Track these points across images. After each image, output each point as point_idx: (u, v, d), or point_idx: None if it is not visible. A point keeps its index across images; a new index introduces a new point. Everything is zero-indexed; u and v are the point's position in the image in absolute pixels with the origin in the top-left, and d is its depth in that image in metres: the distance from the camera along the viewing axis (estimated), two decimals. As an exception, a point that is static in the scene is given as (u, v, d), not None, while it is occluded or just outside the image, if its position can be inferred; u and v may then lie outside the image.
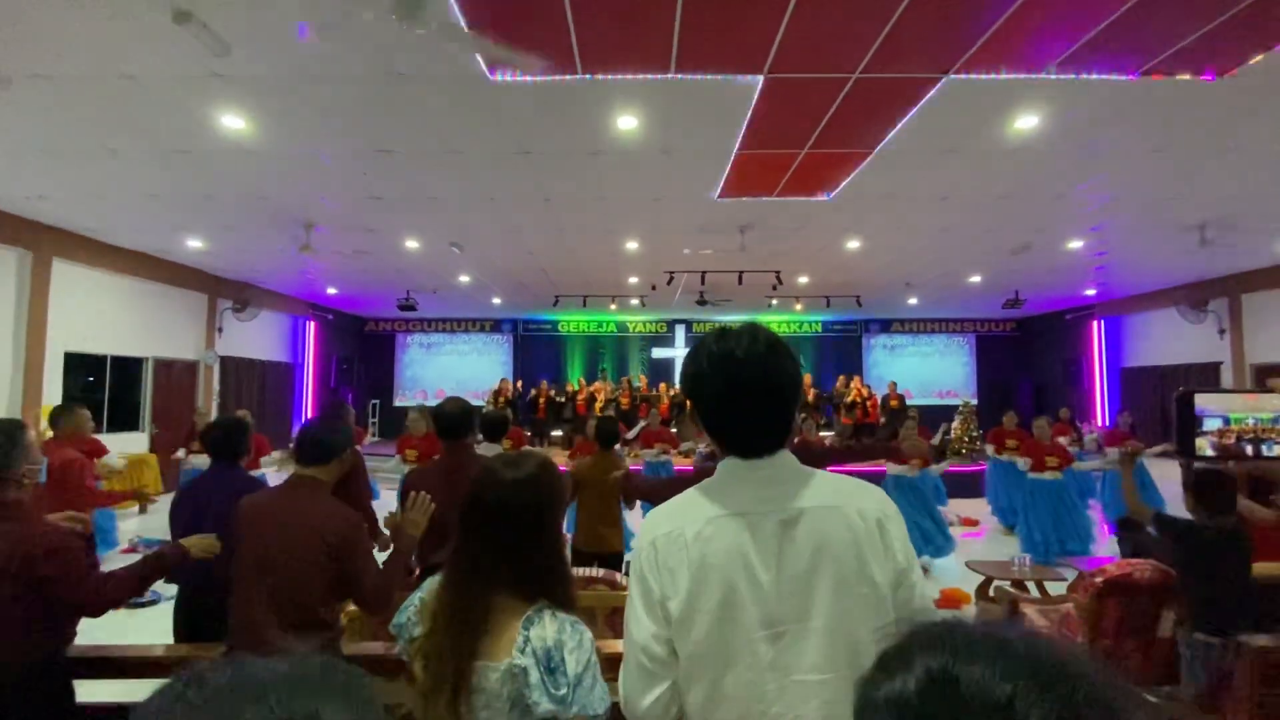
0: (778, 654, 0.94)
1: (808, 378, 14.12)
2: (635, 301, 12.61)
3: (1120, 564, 3.15)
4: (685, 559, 0.97)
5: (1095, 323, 13.09)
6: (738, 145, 5.02)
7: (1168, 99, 4.23)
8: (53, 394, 7.58)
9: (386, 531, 2.15)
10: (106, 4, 3.24)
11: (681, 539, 0.99)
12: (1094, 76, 3.91)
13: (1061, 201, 6.46)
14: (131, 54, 3.74)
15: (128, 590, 1.97)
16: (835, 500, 1.00)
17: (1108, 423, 12.32)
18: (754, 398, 1.02)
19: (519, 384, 14.19)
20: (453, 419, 2.75)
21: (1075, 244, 8.16)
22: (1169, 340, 11.37)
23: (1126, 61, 3.79)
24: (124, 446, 8.62)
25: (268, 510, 1.97)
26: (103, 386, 8.80)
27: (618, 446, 9.17)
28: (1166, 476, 7.49)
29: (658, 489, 4.09)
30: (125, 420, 9.17)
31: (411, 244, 8.27)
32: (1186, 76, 3.93)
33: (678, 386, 13.61)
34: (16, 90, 4.13)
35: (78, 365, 8.29)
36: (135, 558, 2.09)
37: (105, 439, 8.22)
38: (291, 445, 2.12)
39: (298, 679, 0.42)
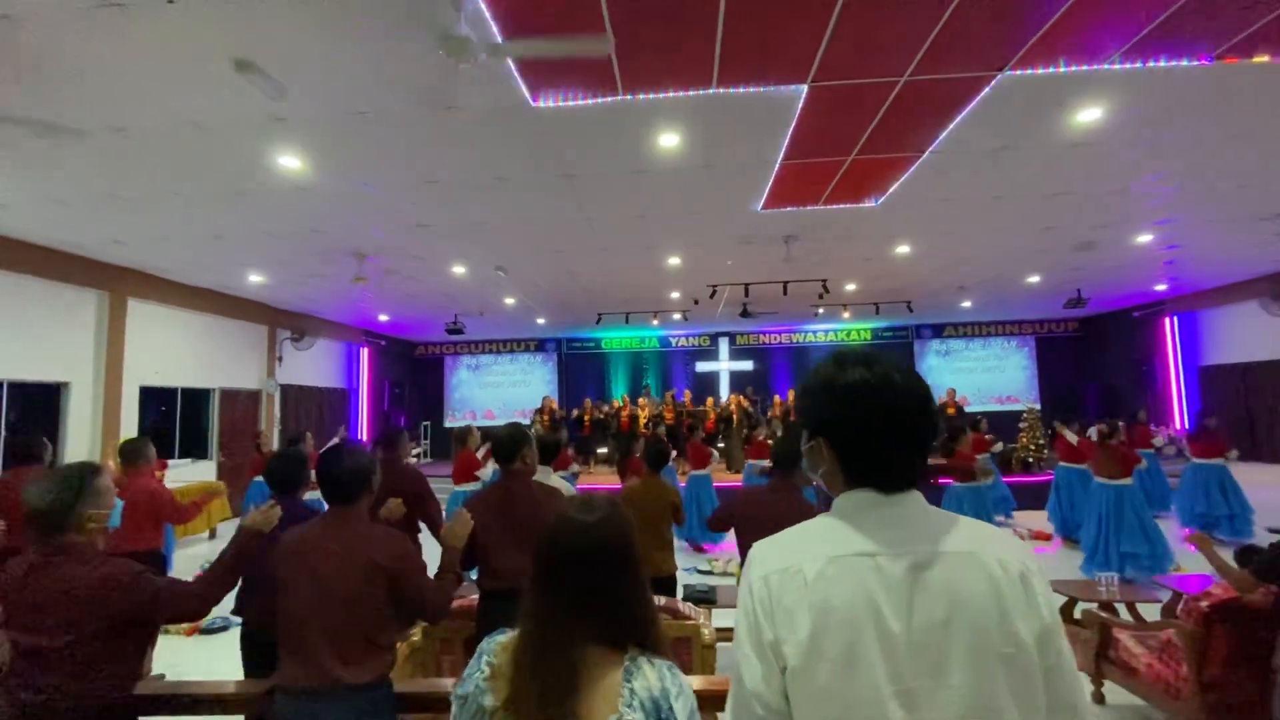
0: (908, 713, 0.85)
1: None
2: (677, 316, 12.55)
3: (1224, 585, 2.89)
4: (805, 600, 0.89)
5: (1168, 320, 12.35)
6: (781, 156, 4.94)
7: (1244, 82, 3.96)
8: (129, 427, 8.00)
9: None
10: (175, 58, 3.42)
11: (800, 577, 0.91)
12: (1163, 64, 3.69)
13: (1127, 195, 6.12)
14: (197, 103, 3.93)
15: (221, 584, 2.07)
16: (972, 546, 0.92)
17: (1187, 425, 11.57)
18: (910, 426, 0.96)
19: (562, 408, 14.24)
20: (503, 442, 2.75)
21: (1143, 238, 7.72)
22: (1251, 335, 10.63)
23: (1198, 46, 3.56)
24: (194, 474, 9.02)
25: (309, 543, 1.97)
26: (174, 417, 9.25)
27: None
28: (1259, 482, 6.95)
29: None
30: (194, 449, 9.60)
31: (458, 269, 8.44)
32: (1265, 59, 3.67)
33: (725, 403, 13.44)
34: (95, 142, 4.40)
35: (151, 398, 8.74)
36: None
37: (176, 468, 8.65)
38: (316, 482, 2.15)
39: None
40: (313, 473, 3.10)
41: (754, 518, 2.90)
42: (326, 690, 1.83)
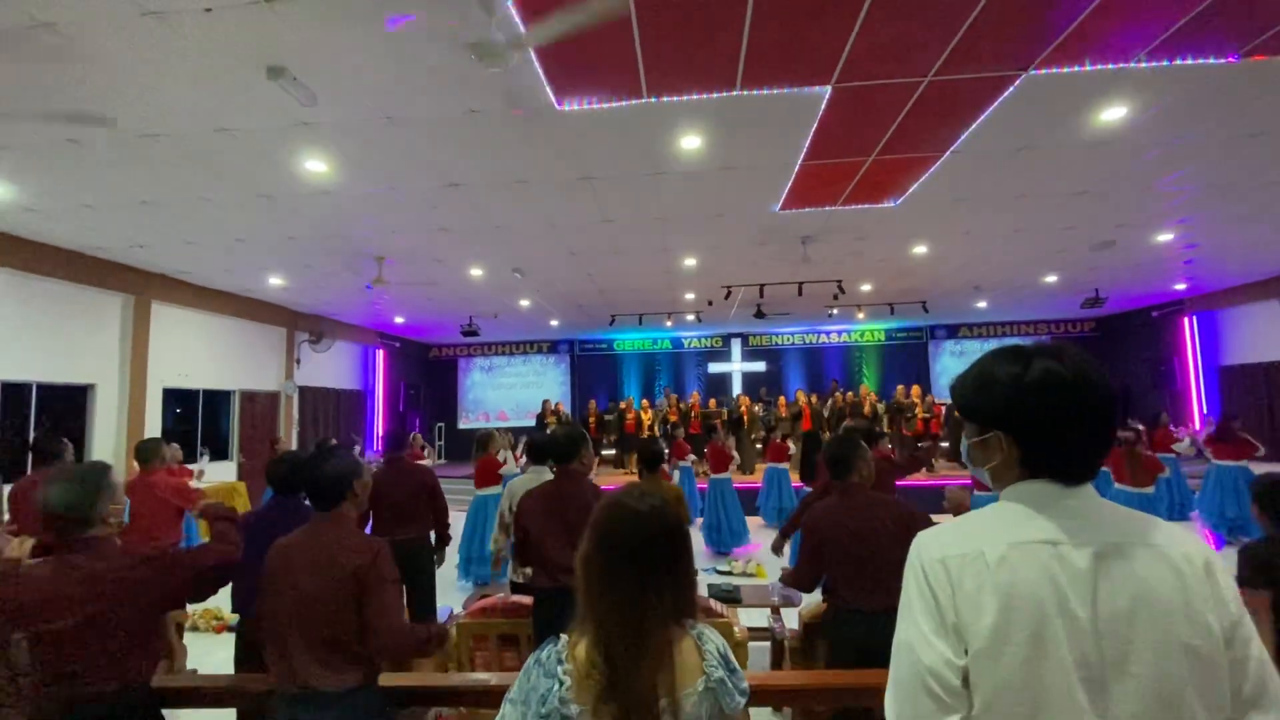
0: (1095, 698, 0.86)
1: (865, 388, 13.70)
2: (691, 317, 12.57)
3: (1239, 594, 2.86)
4: (990, 583, 0.91)
5: (1187, 319, 12.22)
6: (802, 157, 4.95)
7: (1265, 80, 3.93)
8: (153, 428, 8.11)
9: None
10: (210, 66, 3.49)
11: (981, 561, 0.92)
12: (1190, 62, 3.67)
13: (1148, 194, 6.08)
14: (228, 109, 4.00)
15: (229, 549, 2.11)
16: (1156, 539, 0.93)
17: (1206, 425, 11.43)
18: (1101, 422, 0.97)
19: (565, 406, 14.28)
20: (560, 444, 2.80)
21: (1163, 237, 7.66)
22: (1272, 335, 10.51)
23: (1226, 43, 3.54)
24: (215, 474, 9.14)
25: (295, 550, 1.98)
26: (195, 419, 9.38)
27: (680, 465, 9.10)
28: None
29: None
30: (215, 450, 9.72)
31: (476, 272, 8.51)
32: (1294, 54, 3.64)
33: (734, 405, 13.43)
34: (127, 148, 4.48)
35: (173, 399, 8.87)
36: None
37: (199, 468, 8.75)
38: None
39: None
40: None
41: (843, 534, 2.57)
42: (307, 697, 1.85)
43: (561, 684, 1.15)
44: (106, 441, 7.61)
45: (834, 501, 2.70)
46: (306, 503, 3.06)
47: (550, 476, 3.10)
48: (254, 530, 2.81)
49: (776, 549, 3.78)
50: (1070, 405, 0.96)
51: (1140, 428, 6.02)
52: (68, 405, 7.46)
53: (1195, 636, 0.87)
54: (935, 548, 0.97)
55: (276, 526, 2.51)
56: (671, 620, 1.20)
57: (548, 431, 3.00)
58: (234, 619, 5.08)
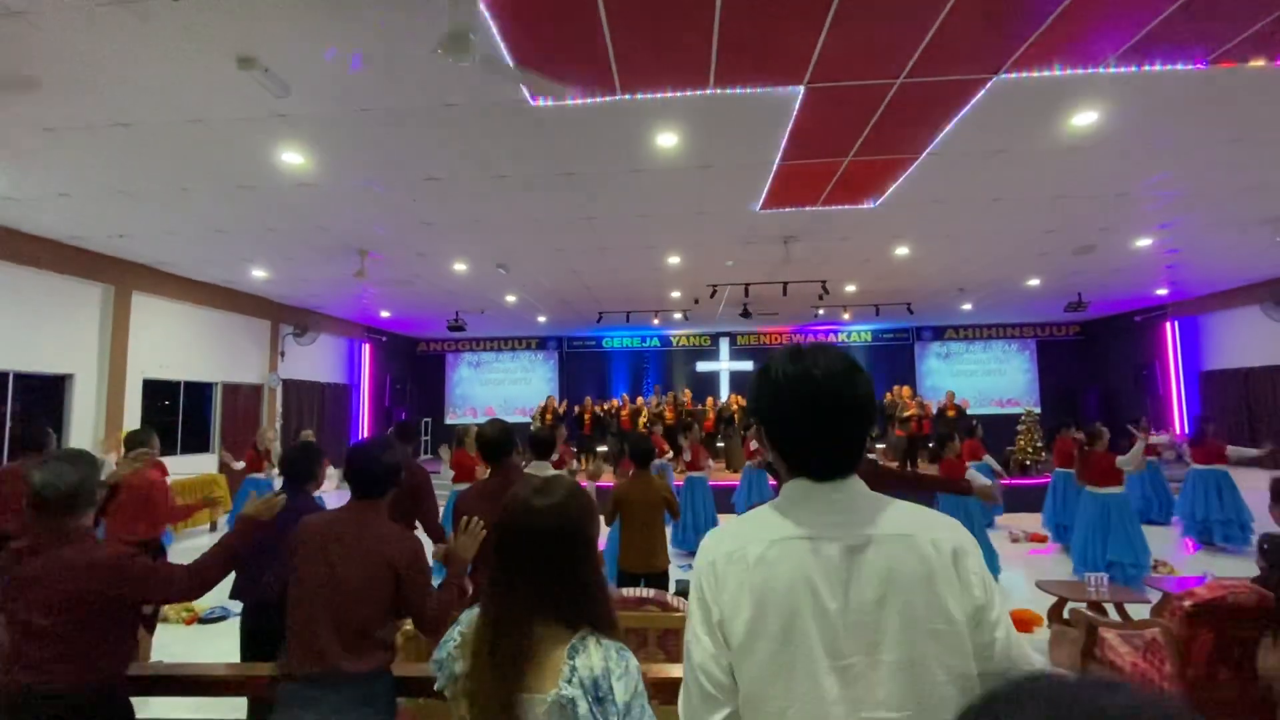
0: (845, 687, 0.90)
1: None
2: (678, 316, 12.59)
3: (1212, 585, 2.91)
4: (747, 581, 0.94)
5: (1169, 324, 12.34)
6: (779, 157, 4.98)
7: (1242, 86, 3.98)
8: (132, 419, 8.07)
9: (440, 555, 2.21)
10: (179, 54, 3.47)
11: (743, 560, 0.96)
12: (1158, 68, 3.71)
13: (1126, 199, 6.14)
14: (200, 99, 3.98)
15: (216, 568, 2.09)
16: (907, 529, 0.96)
17: (1186, 430, 11.56)
18: (831, 418, 0.99)
19: (563, 402, 14.29)
20: (494, 441, 2.80)
21: (1143, 242, 7.73)
22: (1252, 340, 10.62)
23: (1193, 50, 3.59)
24: (195, 468, 9.09)
25: (330, 532, 2.01)
26: (176, 410, 9.32)
27: (655, 463, 9.12)
28: (1259, 487, 6.95)
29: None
30: (196, 443, 9.67)
31: (460, 267, 8.49)
32: (1260, 63, 3.69)
33: (725, 403, 13.48)
34: (100, 137, 4.46)
35: (154, 391, 8.81)
36: None
37: (178, 461, 8.71)
38: (343, 473, 2.17)
39: None
40: (327, 468, 3.15)
41: None
42: (328, 677, 1.86)
43: (455, 641, 1.24)
44: (84, 432, 7.55)
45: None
46: (314, 497, 3.05)
47: (550, 471, 3.13)
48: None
49: None
50: (794, 402, 1.00)
51: (1101, 431, 6.02)
52: (45, 395, 7.41)
53: (939, 621, 0.90)
54: (709, 550, 1.01)
55: (285, 514, 2.48)
56: (549, 623, 1.17)
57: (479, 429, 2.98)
58: (205, 610, 5.09)
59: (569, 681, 1.10)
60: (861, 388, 1.01)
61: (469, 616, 1.27)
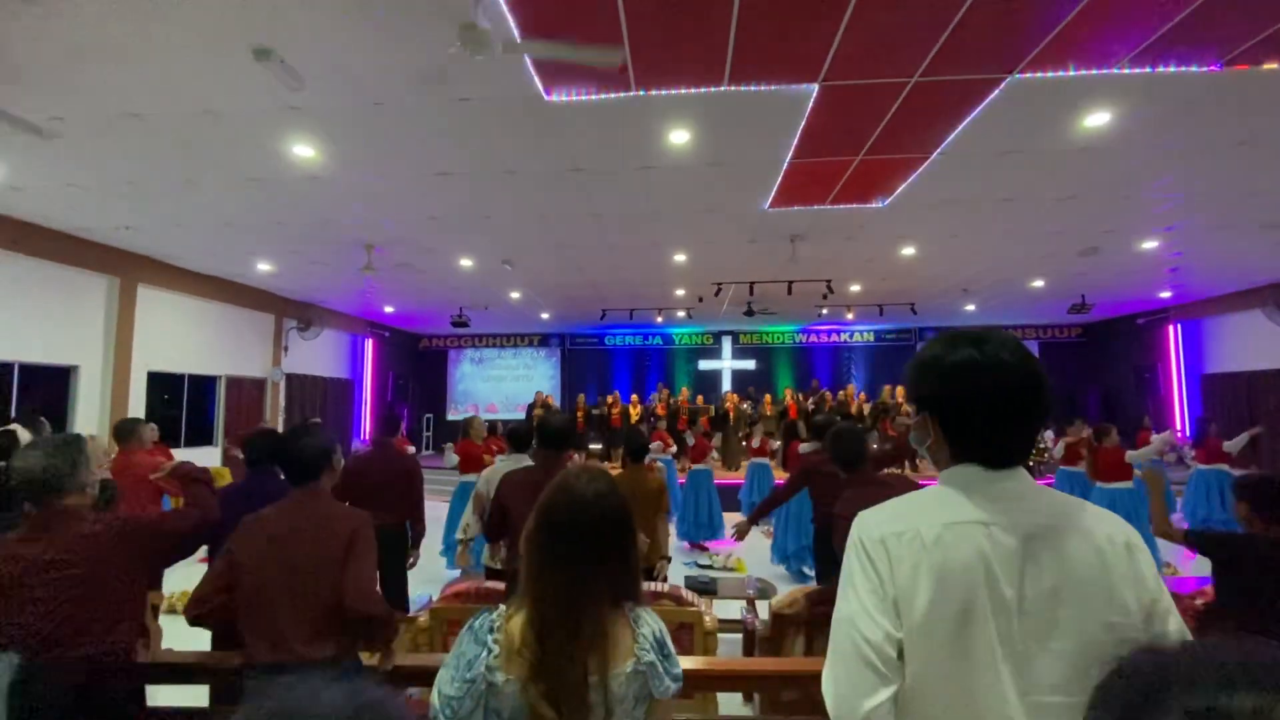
0: (1018, 671, 0.90)
1: (850, 388, 13.79)
2: (682, 314, 12.60)
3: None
4: (926, 561, 0.94)
5: (1171, 327, 12.37)
6: (790, 155, 4.98)
7: (1253, 89, 3.99)
8: (137, 411, 8.06)
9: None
10: (195, 46, 3.47)
11: (918, 540, 0.95)
12: (1172, 69, 3.72)
13: (1133, 201, 6.15)
14: (214, 91, 3.98)
15: (205, 511, 2.14)
16: (1081, 522, 0.96)
17: (1188, 433, 11.59)
18: (1019, 407, 0.98)
19: (553, 400, 14.31)
20: (557, 430, 2.84)
21: (1148, 245, 7.74)
22: (1255, 344, 10.64)
23: (1208, 52, 3.59)
24: (199, 460, 9.08)
25: (281, 523, 1.99)
26: (180, 403, 9.32)
27: (659, 459, 9.13)
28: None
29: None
30: (200, 436, 9.67)
31: (465, 262, 8.49)
32: (1275, 65, 3.70)
33: (721, 402, 13.49)
34: (111, 128, 4.45)
35: (159, 384, 8.81)
36: (204, 569, 2.17)
37: (182, 453, 8.71)
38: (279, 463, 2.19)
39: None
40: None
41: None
42: (294, 667, 1.85)
43: (490, 652, 1.16)
44: (89, 423, 7.54)
45: (852, 494, 2.69)
46: (281, 477, 3.09)
47: (529, 465, 3.12)
48: (230, 501, 2.82)
49: (742, 531, 3.86)
50: (983, 390, 0.98)
51: (1093, 429, 6.08)
52: (50, 386, 7.41)
53: (1114, 614, 0.91)
54: (876, 526, 1.00)
55: (252, 498, 2.52)
56: (608, 602, 1.22)
57: (540, 418, 3.01)
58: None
59: (644, 649, 1.19)
60: (1044, 375, 1.00)
61: (490, 620, 1.21)
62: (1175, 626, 0.93)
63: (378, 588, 2.03)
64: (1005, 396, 0.98)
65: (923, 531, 0.96)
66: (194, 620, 2.03)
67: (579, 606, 1.18)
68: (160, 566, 2.08)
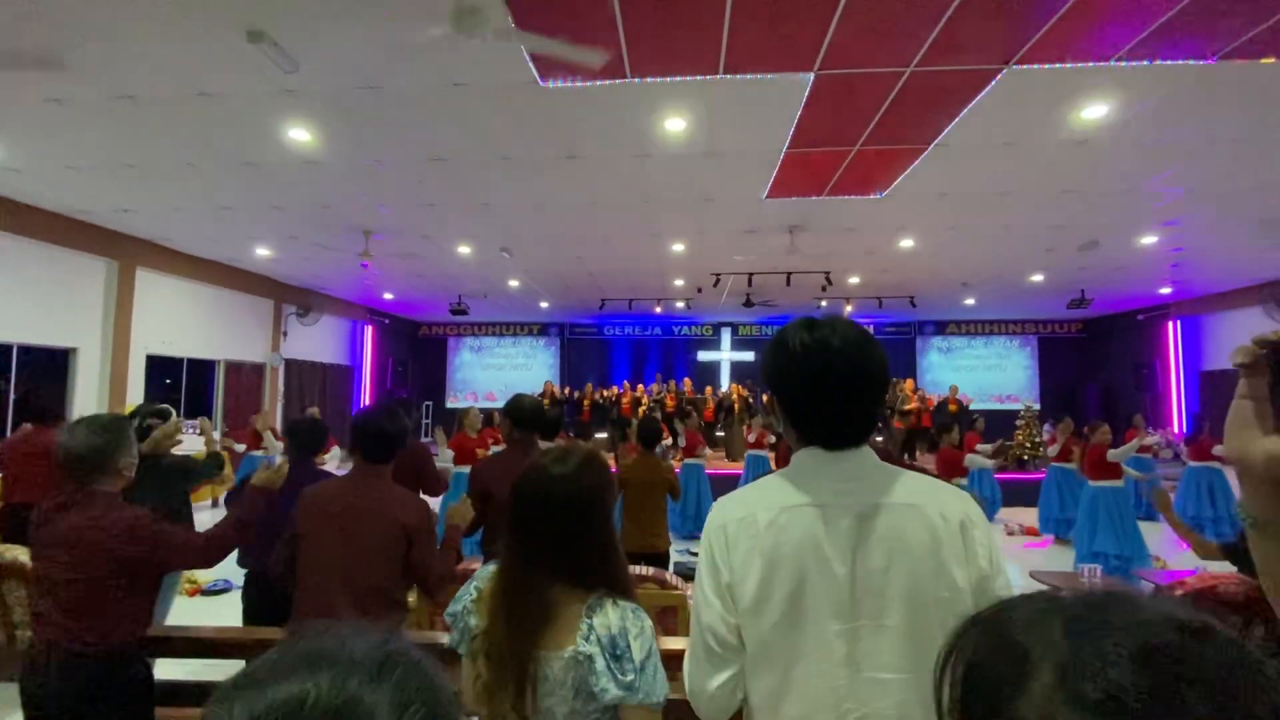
0: (850, 649, 0.93)
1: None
2: (681, 304, 12.59)
3: (1203, 576, 2.95)
4: (757, 546, 0.97)
5: (1171, 323, 12.35)
6: (787, 144, 4.97)
7: (1249, 84, 3.97)
8: (135, 394, 8.10)
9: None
10: (188, 27, 3.46)
11: (754, 525, 0.98)
12: (1168, 62, 3.70)
13: (1132, 195, 6.13)
14: (209, 74, 3.97)
15: (228, 540, 2.11)
16: (916, 499, 0.98)
17: (1184, 429, 11.60)
18: (846, 388, 1.01)
19: (566, 389, 14.32)
20: (528, 413, 2.86)
21: (1148, 240, 7.72)
22: (1254, 341, 10.62)
23: (1204, 45, 3.57)
24: (198, 444, 9.14)
25: (338, 497, 2.04)
26: (179, 387, 9.36)
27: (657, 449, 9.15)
28: None
29: None
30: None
31: (464, 250, 8.49)
32: (1271, 60, 3.68)
33: (725, 392, 13.51)
34: (106, 110, 4.45)
35: (157, 367, 8.85)
36: None
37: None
38: (351, 438, 2.21)
39: (356, 661, 0.42)
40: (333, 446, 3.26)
41: None
42: None
43: (471, 596, 1.26)
44: (88, 406, 7.58)
45: None
46: (313, 464, 3.13)
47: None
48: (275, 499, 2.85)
49: None
50: (811, 372, 1.01)
51: (1084, 427, 6.11)
52: (49, 368, 7.44)
53: (943, 589, 0.93)
54: (721, 513, 1.04)
55: (291, 484, 2.52)
56: (569, 583, 1.20)
57: (510, 402, 3.03)
58: (208, 582, 5.15)
59: (586, 639, 1.14)
60: (876, 358, 1.03)
61: (486, 572, 1.30)
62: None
63: (439, 562, 2.11)
64: (830, 379, 1.00)
65: (759, 516, 0.98)
66: (273, 577, 2.14)
67: (526, 580, 1.20)
68: (162, 574, 2.09)
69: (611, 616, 1.16)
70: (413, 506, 2.06)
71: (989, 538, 0.98)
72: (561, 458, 1.29)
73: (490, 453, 4.16)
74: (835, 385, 1.00)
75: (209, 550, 2.07)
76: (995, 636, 0.44)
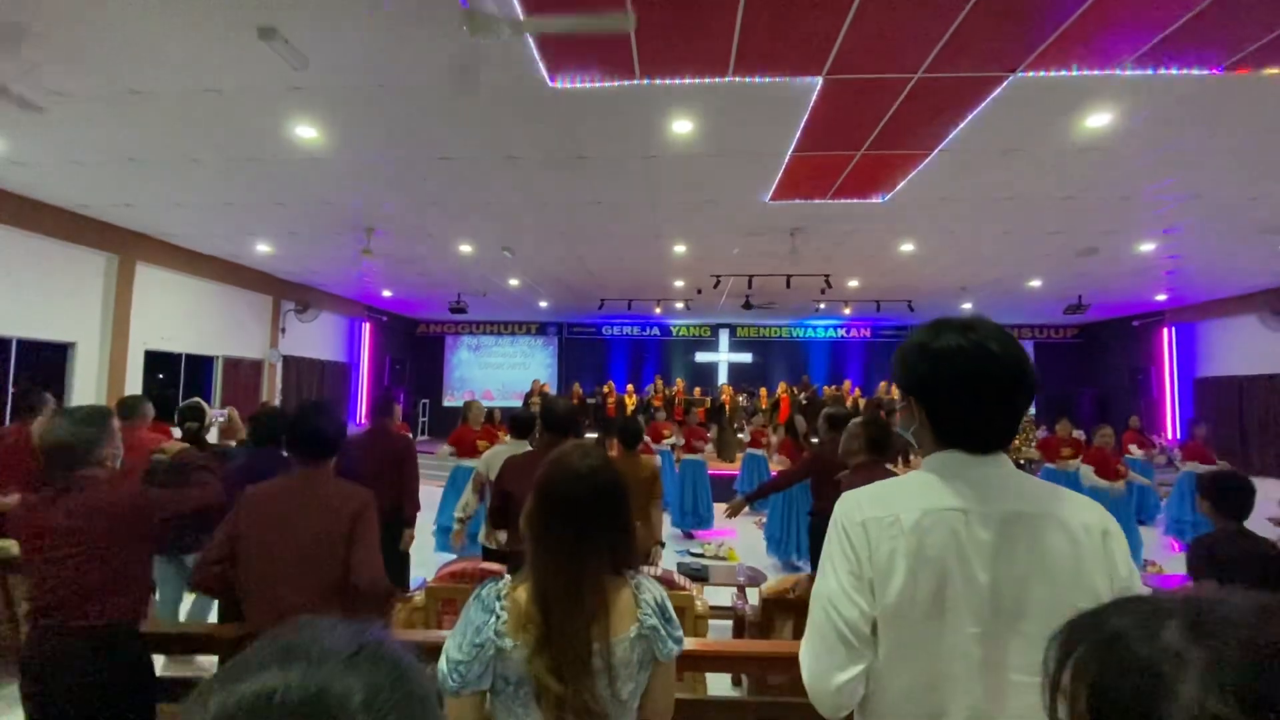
0: (987, 652, 0.94)
1: (847, 384, 13.86)
2: (680, 305, 12.61)
3: (1186, 587, 2.99)
4: (902, 546, 0.98)
5: (1166, 330, 12.44)
6: (793, 147, 4.99)
7: (1251, 95, 4.01)
8: (133, 389, 8.06)
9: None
10: (199, 24, 3.46)
11: (897, 525, 0.99)
12: (1174, 72, 3.74)
13: (1132, 203, 6.18)
14: (218, 69, 3.97)
15: (207, 493, 2.17)
16: (1057, 508, 0.99)
17: (1178, 435, 11.69)
18: (1004, 393, 1.01)
19: (551, 388, 14.34)
20: (562, 416, 2.88)
21: (1146, 247, 7.79)
22: (1249, 349, 10.72)
23: (1210, 56, 3.61)
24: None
25: (281, 495, 2.03)
26: (177, 383, 9.32)
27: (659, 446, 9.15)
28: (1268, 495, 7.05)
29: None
30: (196, 415, 9.66)
31: (465, 248, 8.49)
32: (1275, 70, 3.72)
33: (717, 394, 13.53)
34: (113, 104, 4.44)
35: (155, 362, 8.81)
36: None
37: (177, 432, 8.72)
38: (286, 442, 2.21)
39: (328, 652, 0.43)
40: None
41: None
42: None
43: (498, 618, 1.19)
44: (86, 400, 7.54)
45: (861, 481, 2.72)
46: (284, 454, 3.13)
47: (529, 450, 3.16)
48: (233, 479, 2.85)
49: (736, 508, 3.93)
50: (968, 375, 1.01)
51: (1109, 429, 6.19)
52: (48, 362, 7.40)
53: (1083, 598, 0.94)
54: (857, 510, 1.04)
55: (254, 476, 2.55)
56: (609, 571, 1.26)
57: (545, 404, 3.07)
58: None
59: (646, 614, 1.24)
60: (1029, 362, 1.03)
61: (500, 591, 1.23)
62: None
63: (373, 558, 2.05)
64: (989, 383, 1.00)
65: (902, 517, 0.99)
66: (194, 586, 2.07)
67: (579, 577, 1.21)
68: (164, 540, 2.12)
69: (652, 589, 1.29)
70: (354, 495, 2.05)
71: (1126, 546, 1.00)
72: (586, 454, 1.33)
73: (492, 449, 4.15)
74: (992, 390, 1.00)
75: (200, 492, 2.14)
76: (1111, 652, 0.45)
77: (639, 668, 1.22)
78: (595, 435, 13.07)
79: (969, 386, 1.01)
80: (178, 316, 9.00)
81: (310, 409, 2.18)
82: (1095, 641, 0.46)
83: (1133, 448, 8.45)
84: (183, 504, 2.08)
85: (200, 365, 9.80)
